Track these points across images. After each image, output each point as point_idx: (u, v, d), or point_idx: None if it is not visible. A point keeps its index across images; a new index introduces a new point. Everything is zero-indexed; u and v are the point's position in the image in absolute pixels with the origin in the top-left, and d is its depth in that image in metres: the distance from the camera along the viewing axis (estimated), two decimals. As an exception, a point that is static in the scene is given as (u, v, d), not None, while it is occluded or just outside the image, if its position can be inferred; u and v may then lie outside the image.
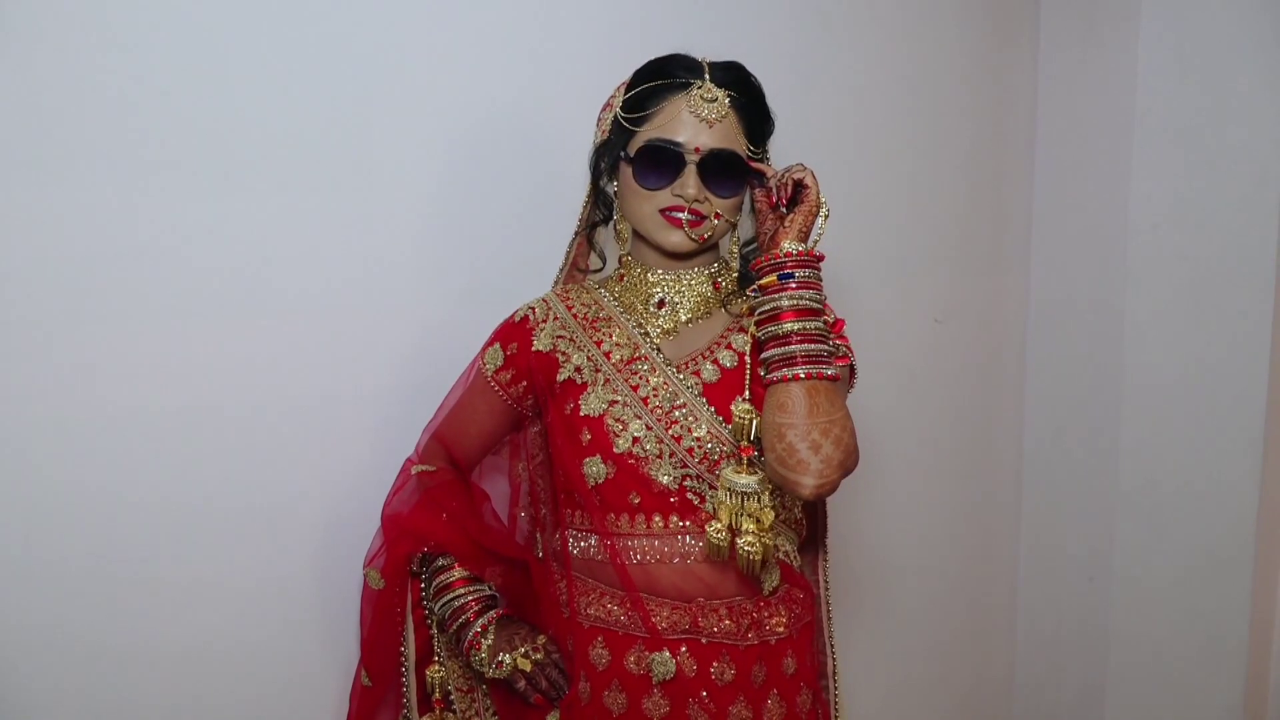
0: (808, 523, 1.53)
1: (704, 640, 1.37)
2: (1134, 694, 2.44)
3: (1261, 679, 2.30)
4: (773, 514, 1.30)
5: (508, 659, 1.42)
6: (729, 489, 1.29)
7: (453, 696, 1.52)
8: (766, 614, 1.41)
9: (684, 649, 1.37)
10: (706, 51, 1.41)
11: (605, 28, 1.83)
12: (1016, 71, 2.51)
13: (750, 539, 1.28)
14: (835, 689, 1.57)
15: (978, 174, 2.49)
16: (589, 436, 1.39)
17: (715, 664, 1.37)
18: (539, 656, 1.43)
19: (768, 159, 1.44)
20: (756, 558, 1.29)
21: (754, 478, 1.28)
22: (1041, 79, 2.53)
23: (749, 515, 1.28)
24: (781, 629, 1.41)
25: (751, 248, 1.48)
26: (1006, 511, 2.67)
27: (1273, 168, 2.13)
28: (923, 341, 2.44)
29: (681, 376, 1.39)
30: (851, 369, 1.41)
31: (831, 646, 1.57)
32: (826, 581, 1.57)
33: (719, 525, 1.30)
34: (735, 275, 1.47)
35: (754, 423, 1.30)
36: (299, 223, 1.56)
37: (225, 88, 1.48)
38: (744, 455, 1.30)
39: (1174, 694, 2.37)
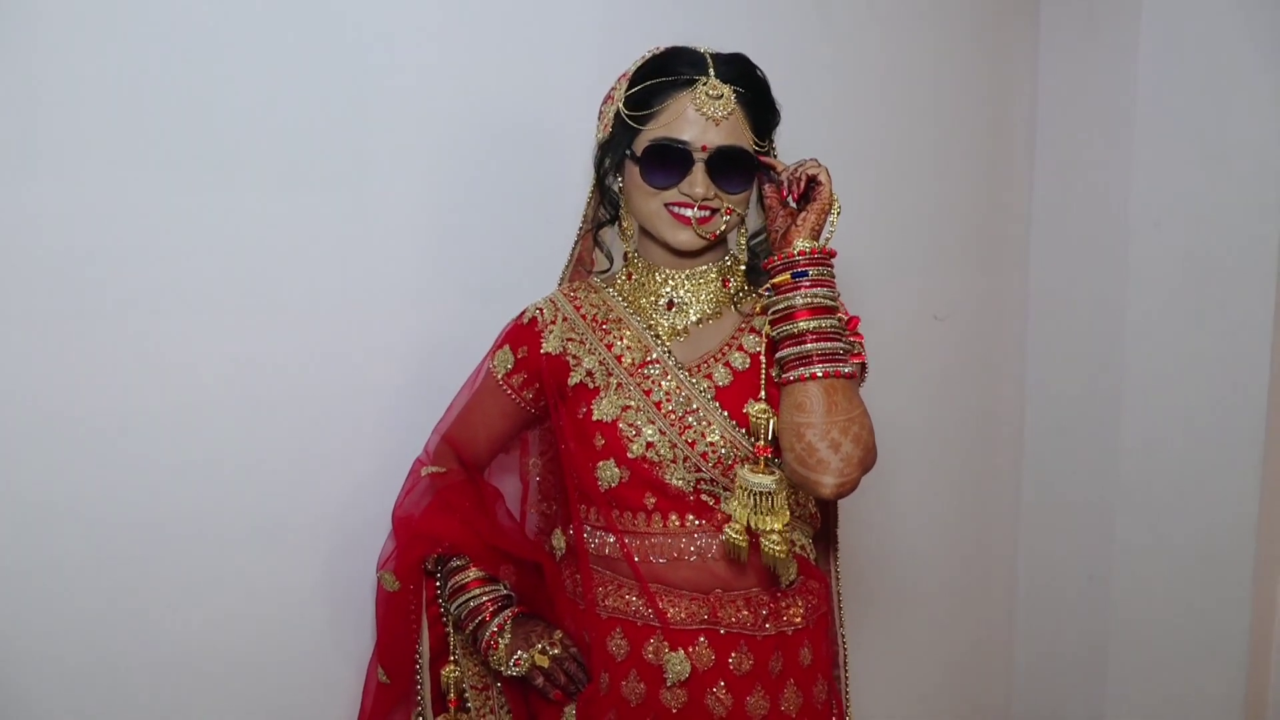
0: (820, 516, 1.54)
1: (722, 630, 1.38)
2: (1133, 689, 2.45)
3: (1261, 676, 2.31)
4: (789, 513, 1.31)
5: (525, 656, 1.42)
6: (746, 489, 1.29)
7: (467, 694, 1.53)
8: (784, 604, 1.42)
9: (702, 639, 1.38)
10: (705, 45, 1.39)
11: (605, 22, 1.80)
12: (1016, 67, 2.50)
13: (776, 538, 1.28)
14: (846, 679, 1.59)
15: (978, 170, 2.49)
16: (602, 441, 1.39)
17: (734, 654, 1.38)
18: (556, 651, 1.44)
19: (774, 151, 1.43)
20: (782, 556, 1.29)
21: (771, 477, 1.29)
22: (1042, 75, 2.51)
23: (767, 514, 1.29)
24: (799, 619, 1.42)
25: (759, 240, 1.47)
26: (1006, 508, 2.68)
27: (1274, 164, 2.13)
28: (923, 339, 2.44)
29: (694, 380, 1.38)
30: (863, 366, 1.40)
31: (842, 637, 1.59)
32: (838, 573, 1.59)
33: (737, 526, 1.30)
34: (744, 270, 1.46)
35: (770, 423, 1.30)
36: (305, 223, 1.55)
37: (229, 85, 1.47)
38: (760, 455, 1.30)
39: (1173, 690, 2.38)
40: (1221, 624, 2.29)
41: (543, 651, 1.43)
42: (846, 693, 1.59)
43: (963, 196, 2.48)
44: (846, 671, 1.59)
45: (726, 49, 1.40)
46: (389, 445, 1.62)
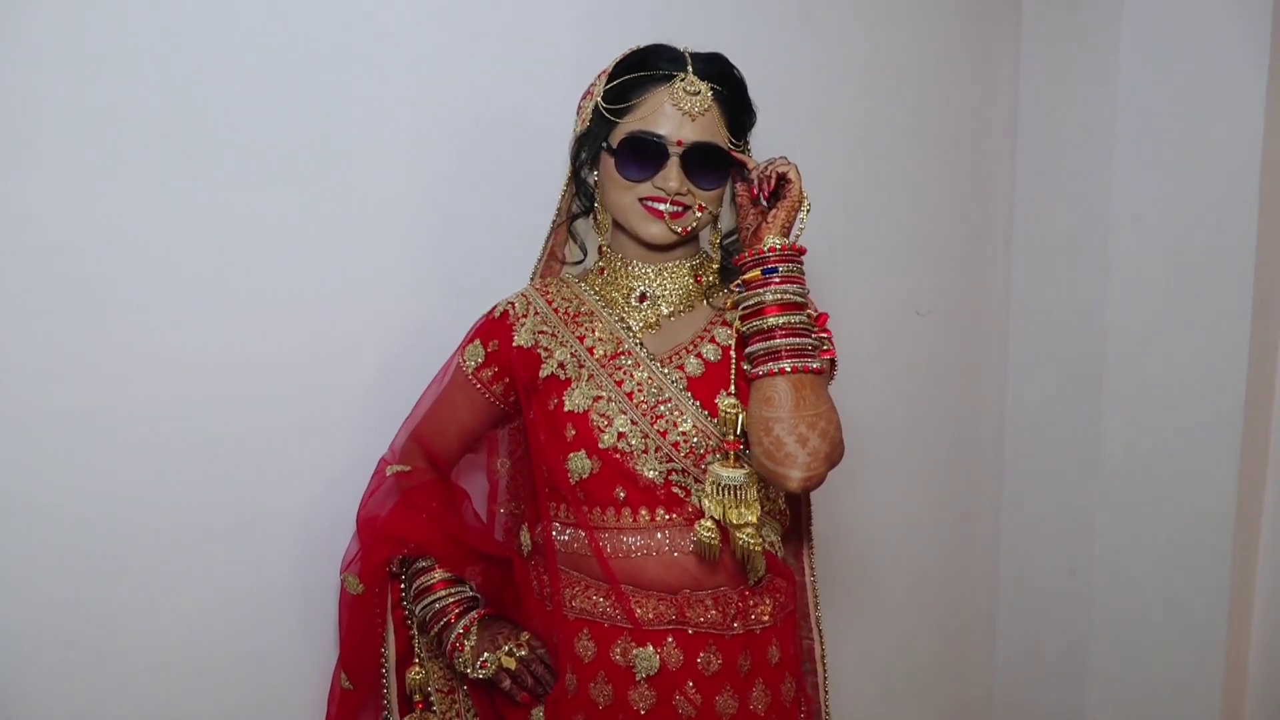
0: (791, 513, 1.54)
1: (690, 631, 1.38)
2: (1114, 683, 2.46)
3: (1240, 668, 2.33)
4: (759, 507, 1.31)
5: (491, 658, 1.41)
6: (716, 483, 1.30)
7: (433, 698, 1.51)
8: (752, 603, 1.41)
9: (670, 640, 1.38)
10: (686, 43, 1.40)
11: (587, 19, 1.81)
12: (998, 64, 2.53)
13: (750, 531, 1.29)
14: (825, 676, 1.58)
15: (960, 167, 2.51)
16: (573, 432, 1.38)
17: (702, 654, 1.38)
18: (523, 653, 1.43)
19: (749, 151, 1.44)
20: (755, 548, 1.30)
21: (741, 471, 1.29)
22: (1023, 72, 2.54)
23: (739, 508, 1.29)
24: (767, 618, 1.42)
25: (732, 239, 1.48)
26: (987, 504, 2.69)
27: (1253, 161, 2.15)
28: (905, 334, 2.46)
29: (666, 371, 1.39)
30: (833, 363, 1.41)
31: (819, 634, 1.58)
32: (812, 570, 1.58)
33: (708, 524, 1.31)
34: (716, 267, 1.48)
35: (740, 417, 1.30)
36: (274, 218, 1.54)
37: (208, 82, 1.46)
38: (730, 450, 1.31)
39: (1153, 683, 2.40)
40: (1201, 618, 2.31)
41: (509, 653, 1.42)
42: (825, 691, 1.58)
43: (945, 192, 2.49)
44: (825, 668, 1.58)
45: (709, 47, 1.41)
46: (364, 443, 1.60)
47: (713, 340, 1.41)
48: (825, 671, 1.58)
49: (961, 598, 2.68)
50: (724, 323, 1.43)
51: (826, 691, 1.58)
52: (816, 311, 1.36)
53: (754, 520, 1.29)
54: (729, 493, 1.29)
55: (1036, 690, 2.64)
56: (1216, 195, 2.21)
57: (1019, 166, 2.57)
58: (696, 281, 1.46)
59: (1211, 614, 2.29)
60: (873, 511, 2.41)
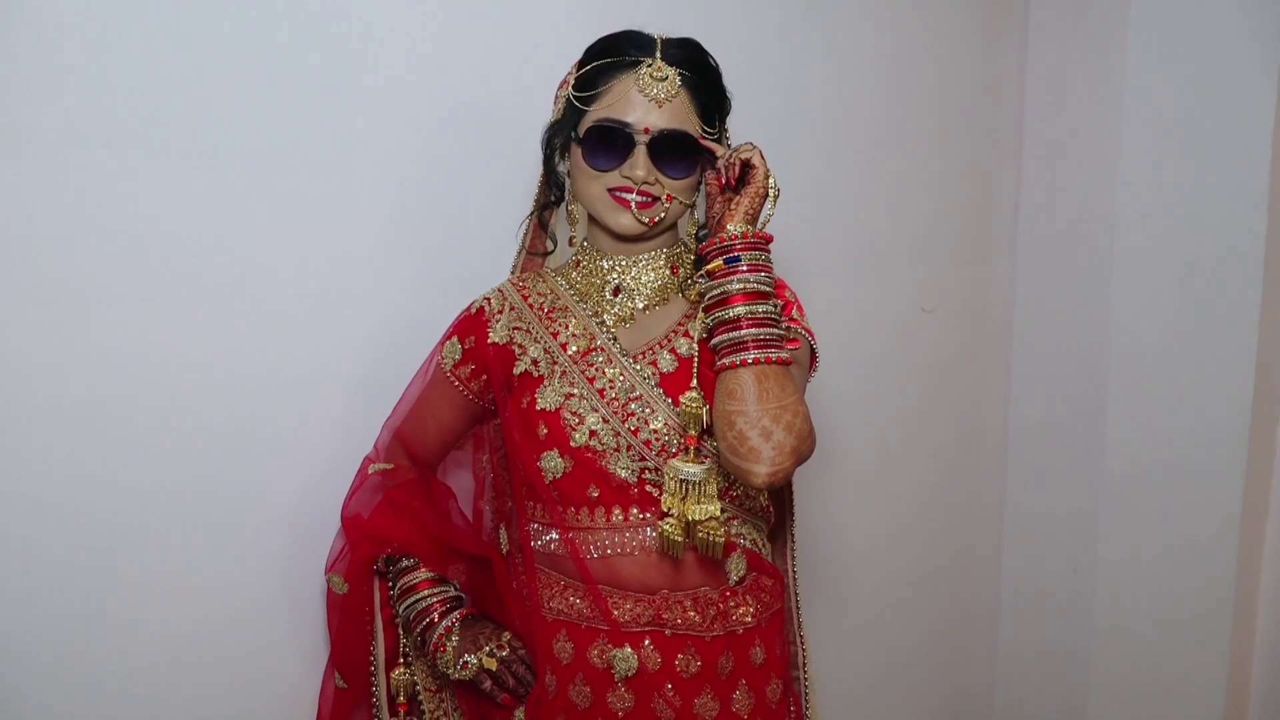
0: (775, 510, 1.51)
1: (668, 632, 1.35)
2: (1117, 684, 2.45)
3: (1243, 668, 2.31)
4: (719, 503, 1.28)
5: (472, 660, 1.40)
6: (676, 478, 1.27)
7: (421, 697, 1.51)
8: (733, 604, 1.38)
9: (647, 642, 1.35)
10: (686, 33, 1.38)
11: (590, 15, 1.75)
12: (1005, 60, 2.51)
13: (712, 526, 1.26)
14: (806, 679, 1.55)
15: (965, 162, 2.49)
16: (545, 430, 1.36)
17: (680, 656, 1.35)
18: (504, 654, 1.42)
19: (727, 140, 1.41)
20: (718, 540, 1.27)
21: (700, 466, 1.26)
22: (1030, 68, 2.53)
23: (698, 503, 1.26)
24: (749, 619, 1.39)
25: (706, 230, 1.44)
26: (991, 500, 2.68)
27: (1260, 158, 2.14)
28: (910, 330, 2.44)
29: (638, 367, 1.36)
30: (812, 352, 1.38)
31: (801, 636, 1.55)
32: (795, 570, 1.55)
33: (673, 521, 1.28)
34: (693, 259, 1.44)
35: (704, 411, 1.28)
36: (259, 212, 1.53)
37: (193, 76, 1.45)
38: (690, 445, 1.28)
39: (1156, 684, 2.39)
40: (1205, 619, 2.30)
41: (490, 654, 1.41)
42: (806, 693, 1.55)
43: (950, 188, 2.47)
44: (806, 671, 1.55)
45: (709, 39, 1.38)
46: (353, 438, 1.59)
47: (686, 335, 1.38)
48: (807, 675, 1.54)
49: (964, 596, 2.66)
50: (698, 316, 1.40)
51: (807, 698, 1.55)
52: (790, 295, 1.34)
53: (715, 514, 1.26)
54: (687, 488, 1.26)
55: (1038, 690, 2.63)
56: (1224, 193, 2.19)
57: (1025, 162, 2.56)
58: (673, 273, 1.43)
59: (1215, 616, 2.27)
60: (875, 509, 2.39)
